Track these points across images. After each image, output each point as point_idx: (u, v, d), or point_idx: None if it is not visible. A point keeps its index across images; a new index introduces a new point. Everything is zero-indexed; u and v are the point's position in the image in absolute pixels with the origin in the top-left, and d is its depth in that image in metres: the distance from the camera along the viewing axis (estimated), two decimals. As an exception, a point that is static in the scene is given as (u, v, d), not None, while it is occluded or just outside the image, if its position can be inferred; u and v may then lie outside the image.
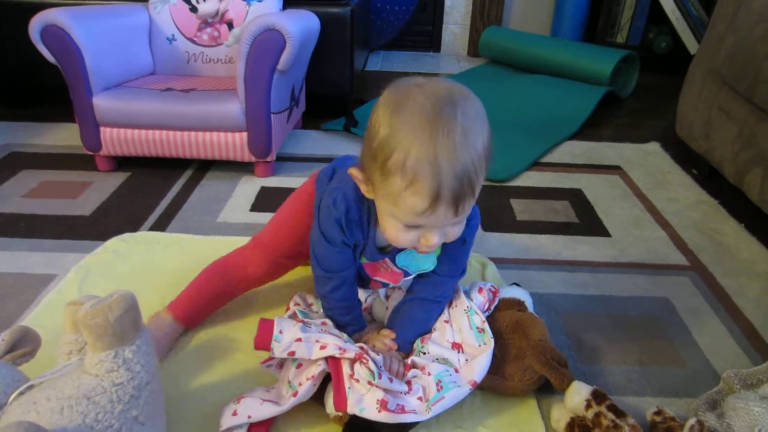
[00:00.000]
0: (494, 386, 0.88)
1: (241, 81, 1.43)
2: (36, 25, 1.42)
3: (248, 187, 1.54)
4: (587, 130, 2.03)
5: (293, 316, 0.92)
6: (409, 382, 0.82)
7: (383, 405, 0.76)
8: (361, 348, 0.82)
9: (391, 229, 0.74)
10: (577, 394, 0.83)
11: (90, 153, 1.57)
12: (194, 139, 1.51)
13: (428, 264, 0.89)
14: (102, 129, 1.52)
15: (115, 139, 1.52)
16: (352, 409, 0.75)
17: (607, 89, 2.25)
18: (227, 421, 0.78)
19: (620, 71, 2.41)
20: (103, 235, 1.30)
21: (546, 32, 2.98)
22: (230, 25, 1.74)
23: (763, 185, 1.39)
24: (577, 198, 1.56)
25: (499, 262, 1.23)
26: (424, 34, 3.02)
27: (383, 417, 0.75)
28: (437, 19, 2.98)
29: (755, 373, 0.91)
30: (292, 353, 0.80)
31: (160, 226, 1.36)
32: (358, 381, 0.78)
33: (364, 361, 0.79)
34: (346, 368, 0.79)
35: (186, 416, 0.84)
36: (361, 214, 0.82)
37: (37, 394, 0.58)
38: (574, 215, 1.47)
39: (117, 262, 1.20)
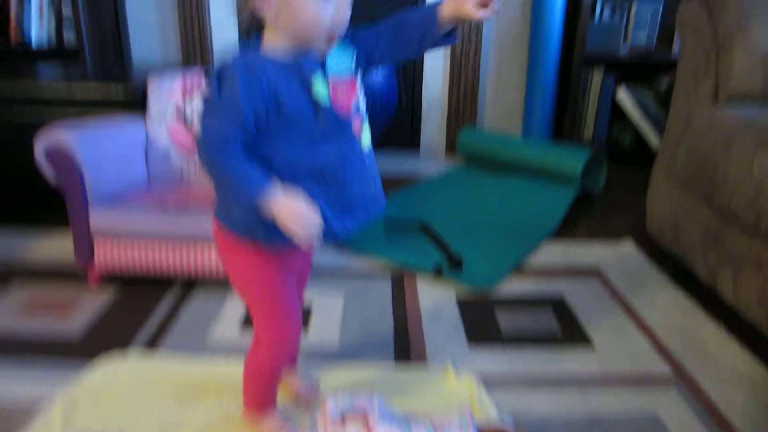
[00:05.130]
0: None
1: (232, 200, 1.48)
2: (41, 145, 1.48)
3: (238, 303, 1.55)
4: (563, 229, 2.10)
5: None
6: None
7: None
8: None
9: (308, 6, 0.80)
10: None
11: (81, 267, 1.58)
12: (185, 253, 1.53)
13: (347, 62, 0.91)
14: (96, 244, 1.54)
15: (108, 255, 1.55)
16: None
17: (578, 188, 2.36)
18: None
19: (590, 168, 2.53)
20: (92, 355, 1.29)
21: (518, 130, 3.14)
22: (220, 141, 1.81)
23: (735, 287, 1.45)
24: (559, 306, 1.59)
25: (488, 382, 1.24)
26: (404, 132, 3.15)
27: None
28: (415, 119, 3.13)
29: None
30: None
31: (150, 345, 1.35)
32: None
33: None
34: None
35: None
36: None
37: None
38: (557, 326, 1.49)
39: (105, 388, 1.18)
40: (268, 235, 0.88)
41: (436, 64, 3.00)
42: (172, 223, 1.51)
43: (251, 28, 0.87)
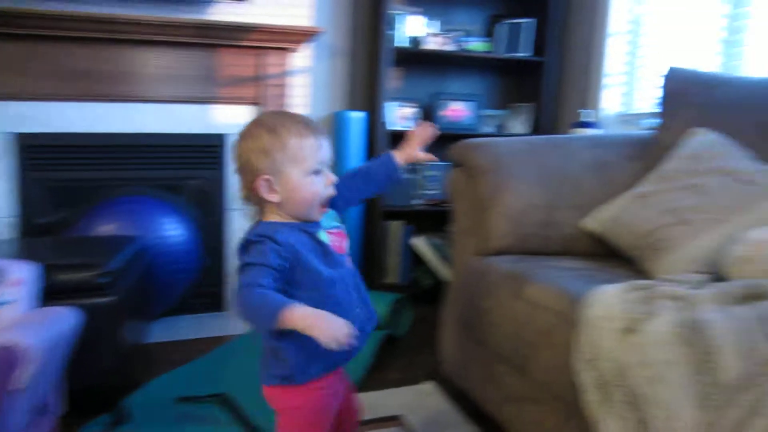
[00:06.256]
0: None
1: (-36, 409, 1.25)
2: None
3: None
4: (369, 377, 2.11)
5: None
6: None
7: None
8: None
9: (308, 187, 1.07)
10: None
11: None
12: None
13: (333, 221, 1.18)
14: None
15: None
16: None
17: (384, 333, 2.42)
18: None
19: (396, 311, 2.63)
20: None
21: (327, 281, 3.21)
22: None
23: (520, 422, 1.53)
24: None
25: None
26: (208, 295, 3.04)
27: None
28: (218, 280, 3.05)
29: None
30: None
31: None
32: None
33: None
34: None
35: None
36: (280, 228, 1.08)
37: None
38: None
39: None
40: (326, 361, 1.09)
41: (238, 225, 3.03)
42: None
43: (252, 205, 1.14)
